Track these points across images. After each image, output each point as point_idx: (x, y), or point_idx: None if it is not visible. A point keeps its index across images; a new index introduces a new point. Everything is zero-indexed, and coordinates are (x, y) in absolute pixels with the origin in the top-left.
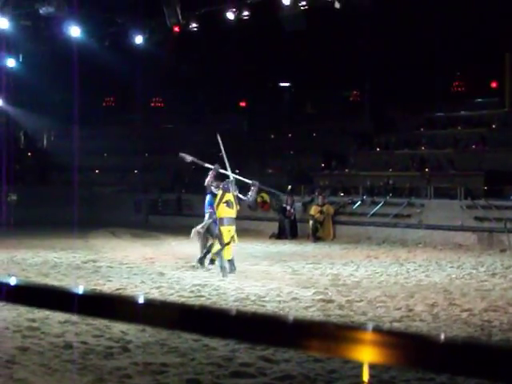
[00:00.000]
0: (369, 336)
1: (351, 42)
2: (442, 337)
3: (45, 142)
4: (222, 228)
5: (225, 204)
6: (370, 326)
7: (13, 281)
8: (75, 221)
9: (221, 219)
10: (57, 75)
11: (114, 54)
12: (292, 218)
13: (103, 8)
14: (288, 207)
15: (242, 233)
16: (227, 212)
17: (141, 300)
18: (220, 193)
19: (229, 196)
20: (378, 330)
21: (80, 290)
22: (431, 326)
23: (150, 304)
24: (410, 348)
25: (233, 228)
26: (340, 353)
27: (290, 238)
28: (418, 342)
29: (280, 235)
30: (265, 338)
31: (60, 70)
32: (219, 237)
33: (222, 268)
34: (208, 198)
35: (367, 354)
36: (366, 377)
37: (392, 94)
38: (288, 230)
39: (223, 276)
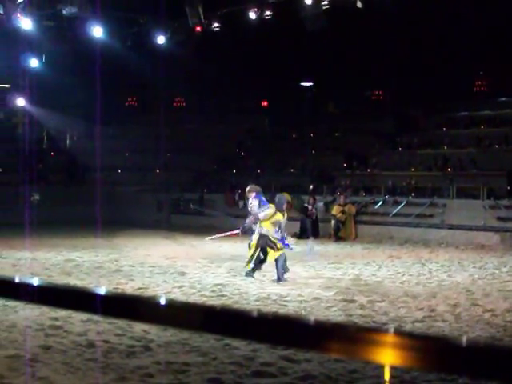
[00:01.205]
0: (390, 338)
1: (373, 42)
2: (464, 339)
3: (68, 141)
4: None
5: (272, 224)
6: (392, 328)
7: (35, 281)
8: (97, 220)
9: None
10: (80, 75)
11: (136, 54)
12: (314, 217)
13: (126, 8)
14: (310, 207)
15: None
16: (271, 229)
17: (162, 301)
18: (272, 211)
19: (279, 216)
20: (399, 332)
21: (102, 290)
22: (453, 327)
23: (172, 305)
24: (432, 351)
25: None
26: (361, 355)
27: (312, 238)
28: (439, 345)
29: (301, 235)
30: (286, 339)
31: (83, 70)
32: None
33: (249, 273)
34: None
35: (388, 357)
36: (387, 378)
37: (414, 94)
38: (310, 230)
39: (248, 276)
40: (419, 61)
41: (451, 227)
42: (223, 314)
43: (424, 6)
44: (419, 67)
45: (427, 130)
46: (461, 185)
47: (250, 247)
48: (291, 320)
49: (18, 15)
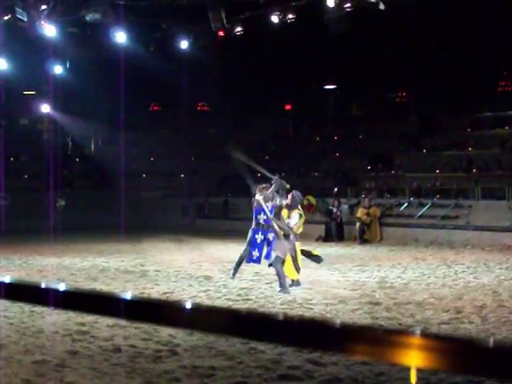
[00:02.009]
0: (416, 340)
1: (396, 43)
2: (491, 340)
3: (92, 147)
4: (298, 244)
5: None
6: (418, 330)
7: (62, 286)
8: (122, 225)
9: (295, 236)
10: (103, 81)
11: (159, 59)
12: (338, 220)
13: (148, 14)
14: (334, 210)
15: None
16: (300, 229)
17: (188, 305)
18: (298, 215)
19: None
20: (425, 334)
21: (128, 295)
22: (480, 329)
23: (198, 309)
24: (458, 352)
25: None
26: (387, 358)
27: (337, 241)
28: (465, 347)
29: (326, 238)
30: (312, 342)
31: (107, 75)
32: (296, 259)
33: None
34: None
35: (414, 359)
36: (413, 380)
37: (438, 95)
38: (334, 233)
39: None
40: (443, 62)
41: (476, 228)
42: (249, 317)
43: (447, 7)
44: (443, 68)
45: (451, 131)
46: (486, 186)
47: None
48: (317, 323)
49: (42, 22)
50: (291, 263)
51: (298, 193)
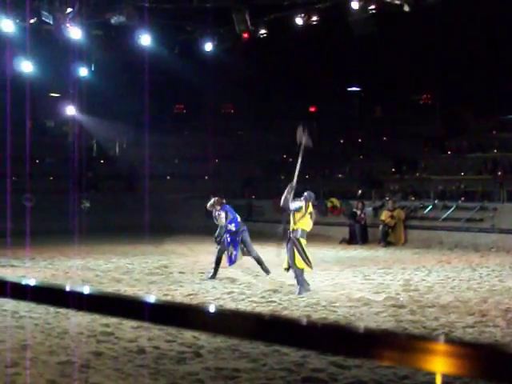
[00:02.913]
0: (440, 347)
1: (421, 45)
2: None
3: (117, 149)
4: (303, 241)
5: (309, 216)
6: (442, 335)
7: (86, 289)
8: (147, 227)
9: (303, 231)
10: (128, 83)
11: (184, 62)
12: (362, 222)
13: (173, 16)
14: (359, 212)
15: (312, 238)
16: (310, 224)
17: (211, 309)
18: (304, 203)
19: (310, 207)
20: (449, 340)
21: (151, 298)
22: (505, 332)
23: (221, 313)
24: (484, 359)
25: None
26: (411, 363)
27: (361, 244)
28: (491, 353)
29: (350, 240)
30: (336, 347)
31: (131, 78)
32: (303, 251)
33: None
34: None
35: (439, 365)
36: None
37: (463, 97)
38: (359, 235)
39: (301, 293)
40: (468, 63)
41: (502, 231)
42: (273, 322)
43: (472, 8)
44: (468, 70)
45: (477, 133)
46: (511, 188)
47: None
48: (341, 328)
49: (68, 25)
50: (299, 256)
51: (310, 193)
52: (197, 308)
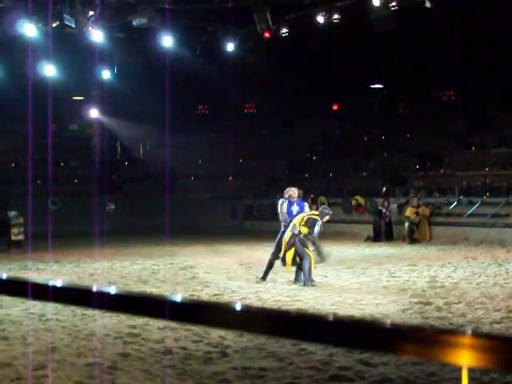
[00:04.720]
0: (467, 340)
1: (443, 41)
2: None
3: (141, 151)
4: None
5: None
6: (469, 329)
7: (113, 289)
8: (170, 228)
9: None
10: (151, 85)
11: (206, 62)
12: (387, 220)
13: (194, 17)
14: (384, 209)
15: (337, 236)
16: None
17: (237, 307)
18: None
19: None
20: (476, 333)
21: (178, 297)
22: None
23: (247, 311)
24: (510, 352)
25: None
26: (438, 357)
27: (386, 241)
28: None
29: (375, 238)
30: (363, 343)
31: (154, 79)
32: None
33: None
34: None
35: (466, 359)
36: (465, 381)
37: (486, 92)
38: (383, 232)
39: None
40: (491, 59)
41: None
42: (299, 318)
43: (495, 3)
44: (491, 65)
45: (500, 128)
46: None
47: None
48: (368, 323)
49: (90, 28)
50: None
51: (326, 208)
52: (222, 306)
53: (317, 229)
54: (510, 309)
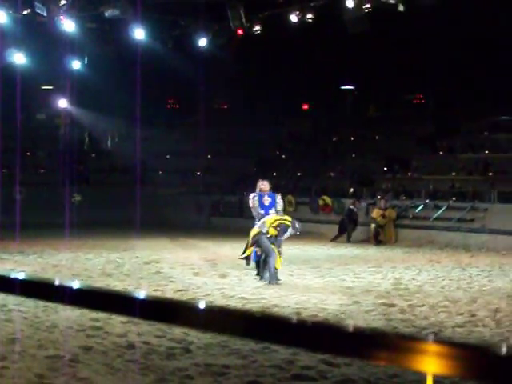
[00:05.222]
0: (432, 347)
1: (415, 45)
2: (505, 347)
3: (109, 143)
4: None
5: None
6: (432, 336)
7: (75, 284)
8: (138, 222)
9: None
10: (121, 77)
11: (177, 57)
12: (355, 218)
13: (167, 11)
14: (355, 209)
15: (304, 235)
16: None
17: (200, 306)
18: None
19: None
20: (440, 340)
21: (141, 294)
22: (494, 332)
23: (210, 310)
24: (475, 360)
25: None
26: (403, 364)
27: (348, 239)
28: (483, 354)
29: (339, 235)
30: (325, 346)
31: (124, 72)
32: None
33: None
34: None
35: (431, 366)
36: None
37: (456, 97)
38: (349, 233)
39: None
40: (460, 64)
41: (492, 232)
42: (263, 320)
43: (466, 9)
44: (461, 71)
45: (468, 133)
46: (502, 189)
47: None
48: (331, 327)
49: (61, 17)
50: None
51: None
52: (186, 304)
53: (286, 235)
54: (472, 313)
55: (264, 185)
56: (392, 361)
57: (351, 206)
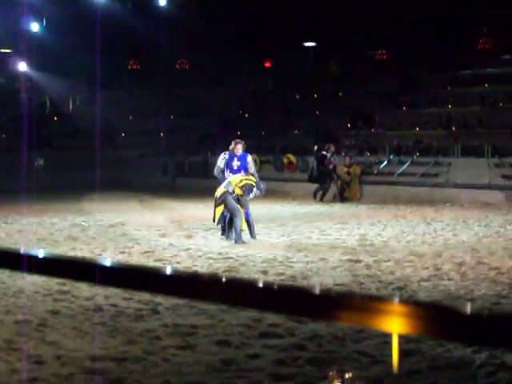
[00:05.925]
0: (397, 308)
1: (376, 0)
2: (470, 308)
3: (70, 106)
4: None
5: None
6: (397, 296)
7: (40, 253)
8: (102, 184)
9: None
10: (81, 39)
11: (137, 17)
12: (331, 167)
13: None
14: (328, 155)
15: (269, 194)
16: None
17: (167, 271)
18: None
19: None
20: (405, 301)
21: (105, 261)
22: (459, 285)
23: (176, 275)
24: (439, 319)
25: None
26: (368, 324)
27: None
28: (446, 314)
29: (310, 178)
30: (291, 308)
31: (84, 33)
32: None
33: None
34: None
35: (394, 325)
36: (395, 346)
37: (418, 53)
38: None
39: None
40: (422, 19)
41: (456, 186)
42: (228, 283)
43: None
44: (422, 26)
45: (431, 88)
46: (465, 143)
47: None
48: (297, 289)
49: None
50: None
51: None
52: (152, 270)
53: (251, 196)
54: (437, 267)
55: (237, 148)
56: (358, 321)
57: (324, 152)
